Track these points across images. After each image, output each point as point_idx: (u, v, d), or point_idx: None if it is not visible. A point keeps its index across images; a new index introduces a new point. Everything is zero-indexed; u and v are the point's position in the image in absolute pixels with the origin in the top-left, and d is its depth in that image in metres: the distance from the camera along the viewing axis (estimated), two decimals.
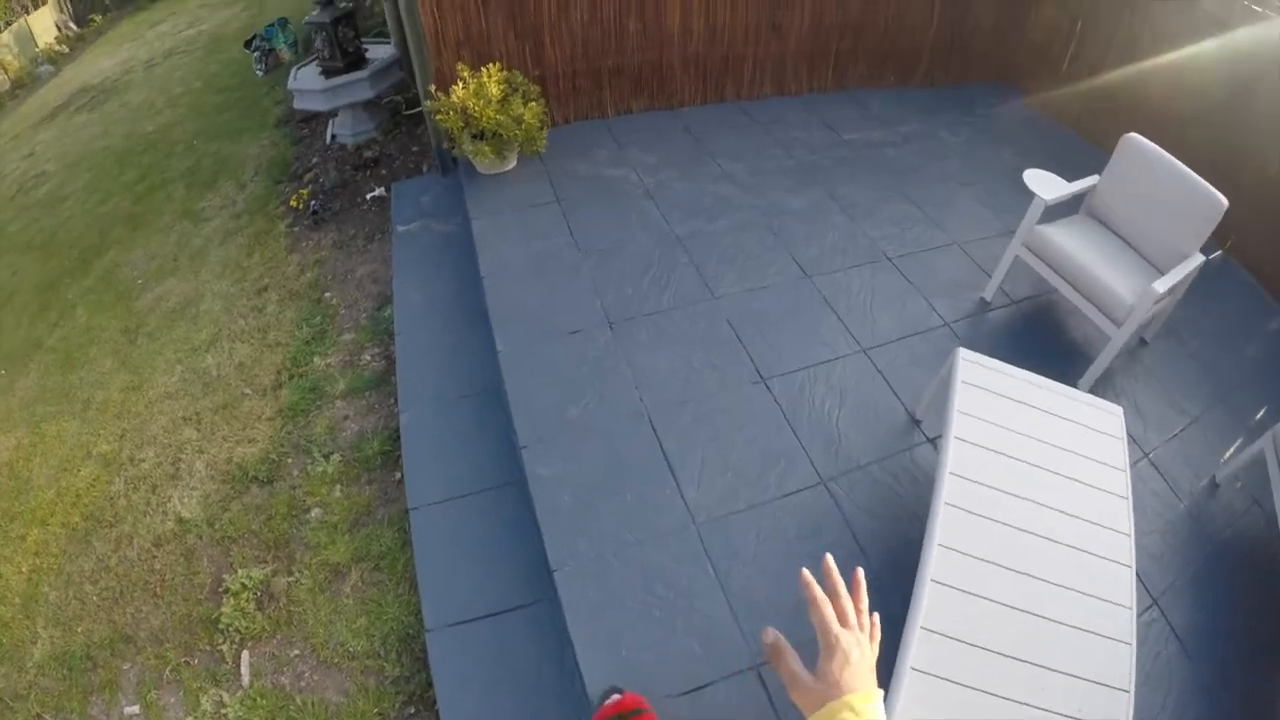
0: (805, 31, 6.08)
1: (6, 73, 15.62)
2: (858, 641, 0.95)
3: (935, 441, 3.58)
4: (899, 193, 5.23)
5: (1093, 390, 3.84)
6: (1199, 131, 4.98)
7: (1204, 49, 5.04)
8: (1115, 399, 3.84)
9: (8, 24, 17.18)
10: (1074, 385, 3.85)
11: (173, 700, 3.43)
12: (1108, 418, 3.10)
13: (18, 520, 4.51)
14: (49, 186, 8.74)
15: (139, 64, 11.96)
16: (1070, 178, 5.08)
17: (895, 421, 3.70)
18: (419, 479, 3.74)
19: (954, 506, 2.65)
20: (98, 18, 18.22)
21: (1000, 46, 6.68)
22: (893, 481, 3.44)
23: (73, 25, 18.45)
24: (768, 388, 3.78)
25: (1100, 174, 4.16)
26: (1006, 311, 4.39)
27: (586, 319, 4.14)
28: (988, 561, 2.52)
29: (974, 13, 6.43)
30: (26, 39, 17.03)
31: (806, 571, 1.02)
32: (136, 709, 3.46)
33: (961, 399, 3.01)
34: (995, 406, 3.02)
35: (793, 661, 0.96)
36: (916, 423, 3.69)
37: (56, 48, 16.93)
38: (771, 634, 0.99)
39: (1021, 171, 5.50)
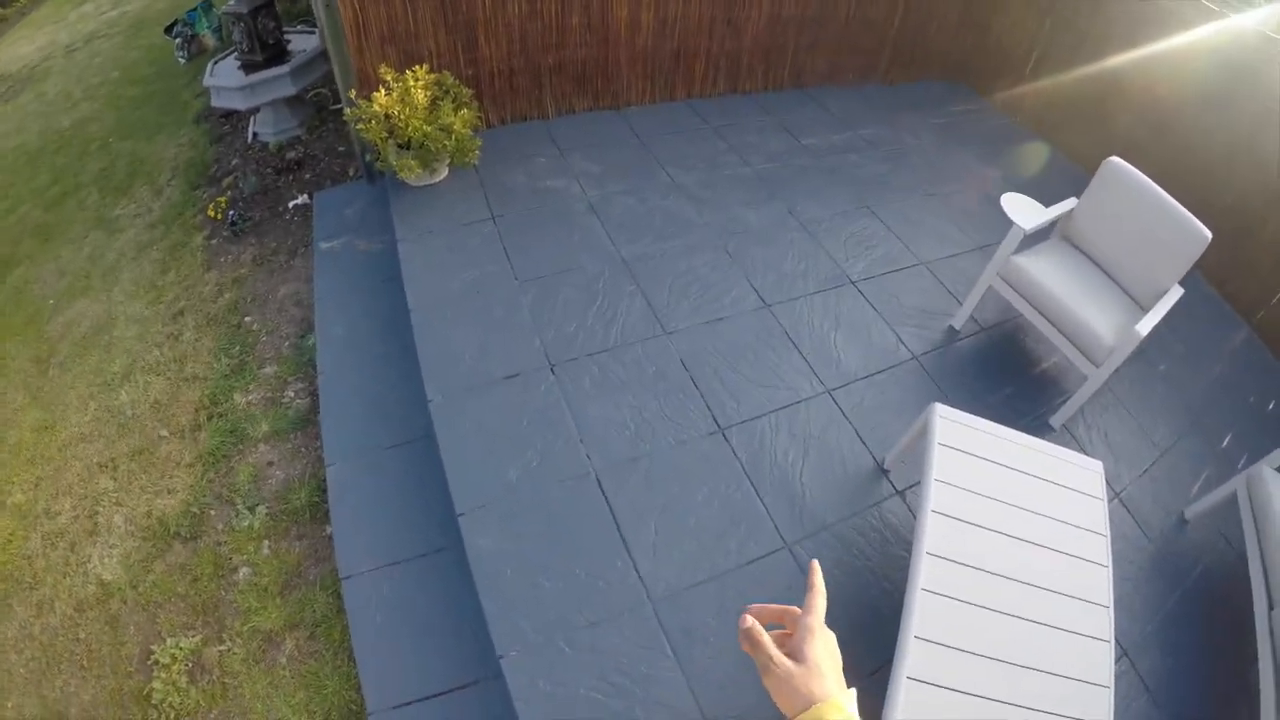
0: (762, 26, 5.67)
1: None
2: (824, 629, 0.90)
3: (905, 494, 3.33)
4: (862, 206, 4.88)
5: (1065, 425, 3.69)
6: (1170, 139, 4.75)
7: (1174, 51, 4.79)
8: (1086, 432, 3.72)
9: None
10: (1046, 420, 3.71)
11: None
12: (1088, 476, 2.91)
13: None
14: None
15: (59, 49, 11.14)
16: (1039, 187, 4.84)
17: (862, 473, 3.40)
18: (350, 543, 3.38)
19: (931, 592, 2.42)
20: None
21: (964, 45, 6.36)
22: (861, 541, 3.16)
23: None
24: (726, 438, 3.44)
25: (1078, 197, 3.90)
26: (976, 340, 4.11)
27: (526, 360, 3.73)
28: (964, 651, 2.31)
29: (939, 8, 6.07)
30: None
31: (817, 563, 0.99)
32: None
33: (939, 465, 2.75)
34: (973, 470, 2.78)
35: (770, 646, 0.88)
36: (885, 473, 3.41)
37: None
38: (750, 619, 0.92)
39: (986, 177, 5.23)
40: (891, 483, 3.37)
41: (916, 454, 3.12)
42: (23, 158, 8.04)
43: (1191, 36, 4.67)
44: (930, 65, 6.45)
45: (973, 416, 2.93)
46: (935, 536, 2.54)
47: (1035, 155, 5.68)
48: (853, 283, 4.31)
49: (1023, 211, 4.10)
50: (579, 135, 5.33)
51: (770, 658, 0.86)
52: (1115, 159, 3.71)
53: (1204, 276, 4.73)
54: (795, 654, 0.86)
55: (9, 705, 3.47)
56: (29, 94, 9.74)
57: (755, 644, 0.89)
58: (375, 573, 3.24)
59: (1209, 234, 3.37)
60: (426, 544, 3.30)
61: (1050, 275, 3.70)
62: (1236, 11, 4.52)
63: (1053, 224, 3.93)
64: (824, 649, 0.87)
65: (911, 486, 3.34)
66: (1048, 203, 4.01)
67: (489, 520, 3.10)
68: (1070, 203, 3.91)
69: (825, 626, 0.90)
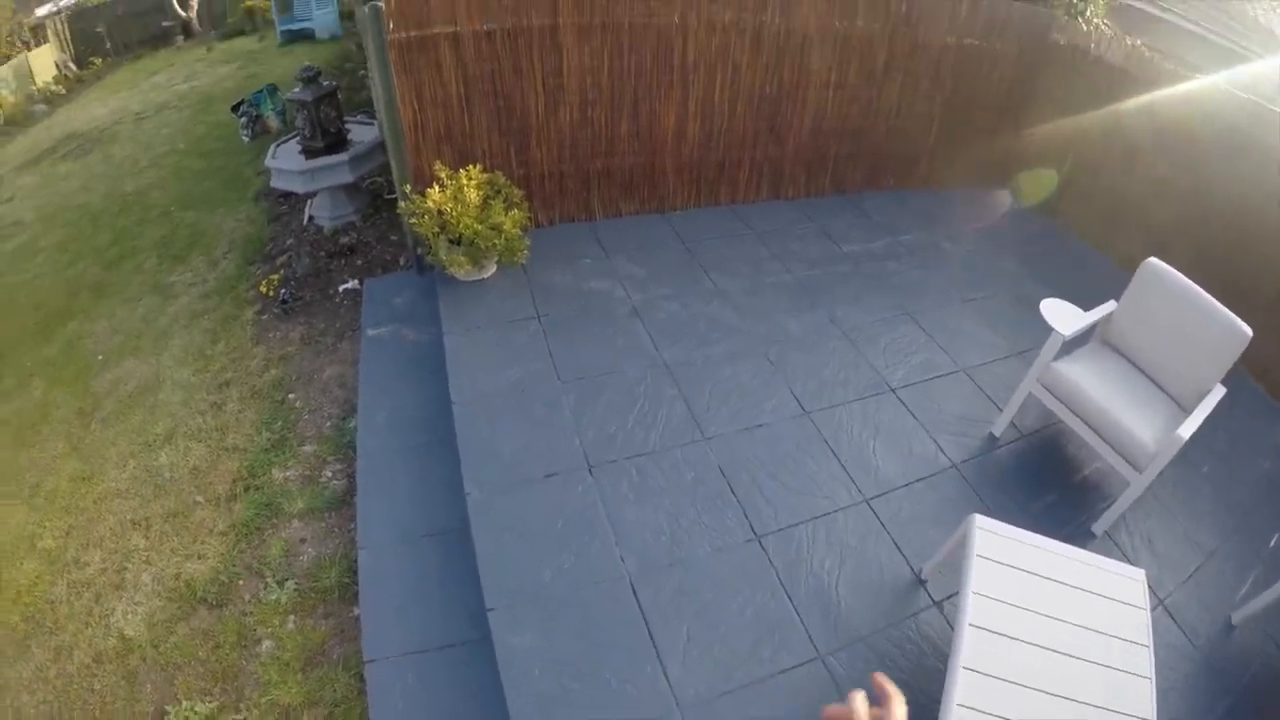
0: (804, 136, 5.85)
1: (1, 109, 15.20)
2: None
3: (942, 605, 3.27)
4: (902, 312, 4.93)
5: (1107, 532, 3.62)
6: (1211, 238, 4.77)
7: (1208, 143, 4.85)
8: (1129, 538, 3.64)
9: (8, 59, 16.77)
10: (1089, 528, 3.63)
11: None
12: (1130, 585, 2.85)
13: None
14: (23, 239, 8.33)
15: (129, 115, 11.63)
16: (1078, 290, 4.83)
17: (899, 583, 3.35)
18: (377, 627, 3.35)
19: (967, 708, 2.36)
20: (97, 61, 17.89)
21: (1000, 150, 6.46)
22: (896, 653, 3.09)
23: (72, 66, 18.08)
24: (762, 547, 3.40)
25: (1117, 300, 3.91)
26: (1017, 447, 4.08)
27: (565, 460, 3.74)
28: None
29: (975, 118, 6.23)
30: (25, 76, 16.62)
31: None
32: None
33: (978, 578, 2.71)
34: (1012, 582, 2.74)
35: None
36: (922, 583, 3.35)
37: (54, 87, 16.54)
38: (859, 700, 0.92)
39: (1025, 282, 5.28)
40: (929, 594, 3.31)
41: (955, 564, 3.07)
42: (86, 216, 8.32)
43: (1219, 127, 4.75)
44: (970, 170, 6.58)
45: (1012, 527, 2.89)
46: (972, 650, 2.49)
47: (1074, 257, 5.72)
48: (892, 390, 4.32)
49: (1062, 317, 4.11)
50: (624, 238, 5.45)
51: None
52: (1153, 260, 3.73)
53: (1246, 369, 4.67)
54: None
55: None
56: (97, 155, 10.13)
57: None
58: (400, 659, 3.19)
59: (1249, 331, 3.35)
60: (454, 635, 3.25)
61: (1090, 380, 3.69)
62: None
63: (1092, 328, 3.93)
64: None
65: (949, 597, 3.27)
66: (1087, 306, 4.02)
67: (520, 618, 3.06)
68: (1109, 306, 3.91)
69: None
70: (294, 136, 6.40)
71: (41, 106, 15.27)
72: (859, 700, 0.92)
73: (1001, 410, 4.14)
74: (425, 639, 3.26)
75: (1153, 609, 3.16)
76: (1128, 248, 5.33)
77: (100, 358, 5.77)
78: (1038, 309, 4.96)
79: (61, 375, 5.73)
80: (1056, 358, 3.77)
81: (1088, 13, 6.32)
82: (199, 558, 4.03)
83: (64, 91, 16.37)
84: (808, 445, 3.91)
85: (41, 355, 6.06)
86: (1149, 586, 2.86)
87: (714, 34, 5.14)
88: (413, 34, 4.47)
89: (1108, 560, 2.92)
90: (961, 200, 6.40)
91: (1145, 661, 2.61)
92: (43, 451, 5.02)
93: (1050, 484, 3.91)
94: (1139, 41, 5.69)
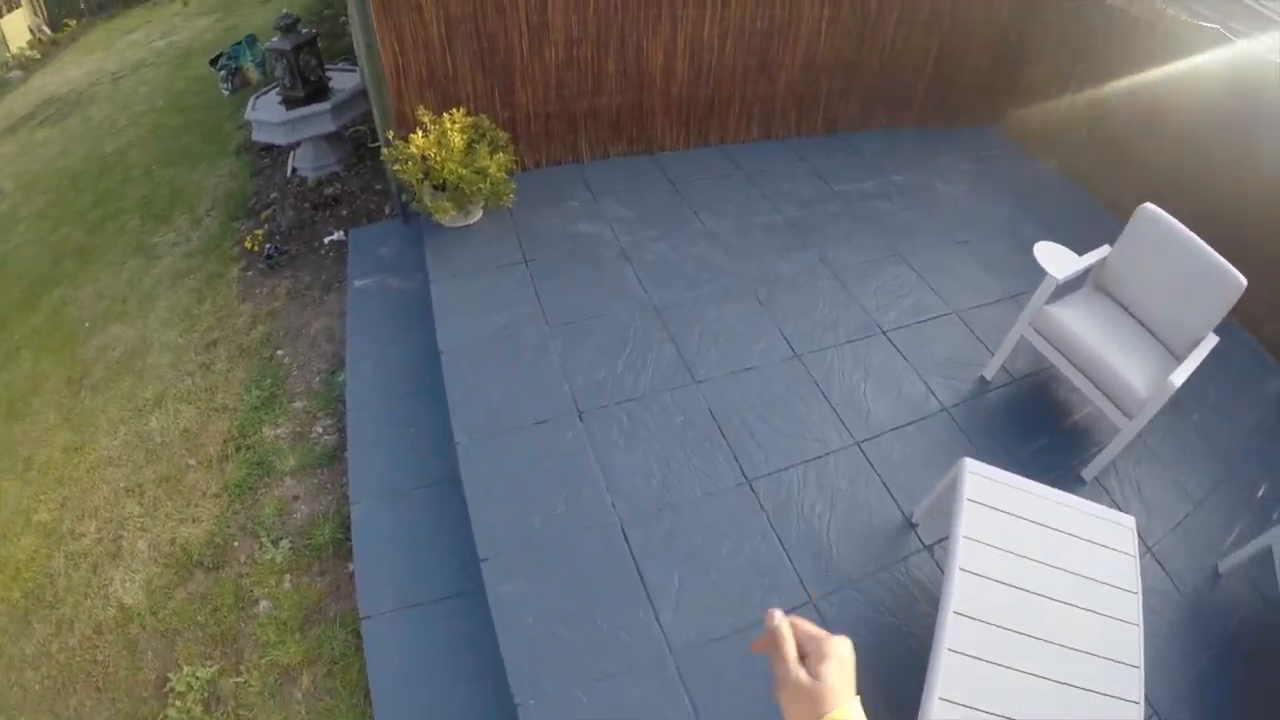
0: (796, 72, 5.70)
1: None
2: (845, 644, 0.90)
3: (933, 549, 3.27)
4: (894, 253, 4.86)
5: (1097, 478, 3.62)
6: (1208, 180, 4.68)
7: (1211, 89, 4.74)
8: (1119, 484, 3.64)
9: None
10: (1078, 473, 3.64)
11: None
12: (1119, 532, 2.86)
13: None
14: (3, 208, 8.23)
15: (106, 75, 11.42)
16: (1072, 234, 4.78)
17: (889, 527, 3.35)
18: (372, 583, 3.37)
19: (957, 652, 2.37)
20: (71, 23, 17.55)
21: (996, 89, 6.35)
22: (888, 597, 3.10)
23: (46, 29, 17.75)
24: (753, 490, 3.40)
25: (1111, 245, 3.86)
26: (1007, 391, 4.05)
27: (554, 406, 3.72)
28: (990, 714, 2.26)
29: (971, 53, 6.08)
30: None
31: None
32: None
33: (968, 522, 2.71)
34: (1002, 527, 2.74)
35: (793, 655, 0.88)
36: (913, 527, 3.35)
37: (28, 53, 16.24)
38: (778, 616, 0.92)
39: (1018, 225, 5.20)
40: (919, 538, 3.31)
41: (945, 508, 3.07)
42: (66, 179, 8.22)
43: (1222, 68, 4.63)
44: (963, 110, 6.45)
45: (1002, 472, 2.88)
46: (962, 595, 2.50)
47: (1071, 202, 5.63)
48: (883, 332, 4.28)
49: (1055, 260, 4.04)
50: (613, 180, 5.36)
51: (789, 668, 0.87)
52: (1149, 205, 3.67)
53: (1239, 322, 4.63)
54: (812, 671, 0.86)
55: None
56: (76, 118, 9.98)
57: (779, 647, 0.90)
58: (396, 614, 3.22)
59: (1244, 280, 3.31)
60: (448, 587, 3.27)
61: (1083, 325, 3.65)
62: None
63: (1086, 272, 3.88)
64: (836, 663, 0.87)
65: (940, 541, 3.28)
66: (1081, 250, 3.95)
67: (512, 567, 3.07)
68: (1103, 250, 3.86)
69: (842, 638, 0.91)
70: (274, 87, 6.28)
71: (16, 73, 14.99)
72: (777, 617, 0.93)
73: (993, 354, 4.10)
74: (420, 592, 3.28)
75: (1141, 556, 3.18)
76: (1124, 195, 5.24)
77: (87, 324, 5.74)
78: (1031, 252, 4.90)
79: (49, 344, 5.71)
80: (1049, 301, 3.72)
81: None
82: (193, 521, 4.05)
83: (39, 56, 16.07)
84: (798, 388, 3.89)
85: (29, 325, 6.04)
86: (1138, 534, 2.86)
87: None
88: None
89: (1097, 506, 2.92)
90: (956, 141, 6.28)
91: (1134, 608, 2.62)
92: (34, 424, 5.03)
93: (1041, 428, 3.90)
94: None
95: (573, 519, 3.24)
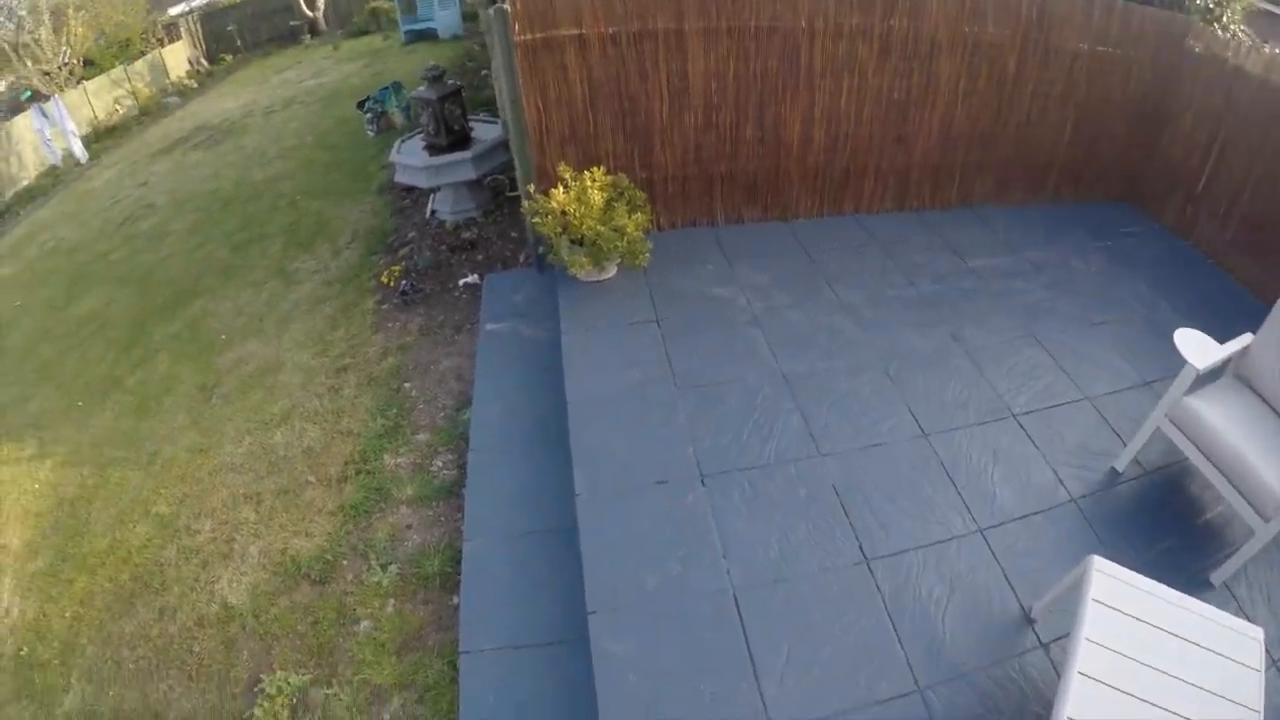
0: (932, 143, 5.74)
1: (137, 100, 16.35)
2: None
3: (1048, 647, 3.14)
4: (1028, 334, 4.78)
5: (1225, 582, 3.41)
6: None
7: None
8: (1248, 591, 3.40)
9: (143, 54, 18.00)
10: (1206, 576, 3.44)
11: None
12: (1246, 644, 2.68)
13: (69, 563, 4.50)
14: (155, 221, 8.96)
15: (259, 109, 12.31)
16: (1212, 319, 4.58)
17: (1007, 620, 3.24)
18: (475, 619, 3.45)
19: None
20: (228, 57, 19.06)
21: (1132, 163, 6.23)
22: (999, 694, 2.98)
23: (204, 62, 19.30)
24: (870, 570, 3.35)
25: (1254, 332, 3.69)
26: (1138, 484, 3.89)
27: (677, 468, 3.77)
28: None
29: (1107, 125, 6.00)
30: (159, 70, 17.89)
31: None
32: None
33: (1091, 623, 2.59)
34: (1125, 631, 2.62)
35: None
36: (1030, 622, 3.22)
37: (186, 82, 17.73)
38: None
39: (1154, 306, 5.06)
40: (1037, 634, 3.18)
41: (1066, 606, 2.96)
42: (217, 201, 8.87)
43: None
44: (1098, 184, 6.33)
45: (1130, 573, 2.76)
46: (1079, 699, 2.39)
47: (1211, 285, 5.42)
48: (1014, 416, 4.18)
49: (1196, 348, 3.87)
50: (747, 244, 5.47)
51: None
52: None
53: None
54: None
55: (110, 693, 3.73)
56: (228, 145, 10.76)
57: None
58: (496, 652, 3.28)
59: None
60: (552, 634, 3.32)
61: (1221, 420, 3.48)
62: None
63: (1227, 362, 3.71)
64: None
65: (1056, 640, 3.14)
66: (1221, 337, 3.78)
67: (620, 623, 3.11)
68: (1245, 339, 3.68)
69: None
70: (418, 133, 6.68)
71: (174, 99, 16.35)
72: None
73: (1126, 444, 3.95)
74: (522, 635, 3.34)
75: (1267, 669, 2.99)
76: (1268, 278, 5.06)
77: (223, 337, 6.15)
78: (1168, 336, 4.67)
79: (186, 351, 6.13)
80: (1188, 392, 3.58)
81: (1224, 19, 6.00)
82: (306, 535, 4.24)
83: (195, 85, 17.52)
84: (924, 468, 3.84)
85: (168, 331, 6.50)
86: (1265, 647, 2.69)
87: (840, 39, 5.12)
88: (538, 36, 4.63)
89: (1226, 615, 2.77)
90: (1090, 216, 6.16)
91: None
92: (163, 422, 5.37)
93: (1170, 526, 3.71)
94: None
95: (686, 582, 3.25)
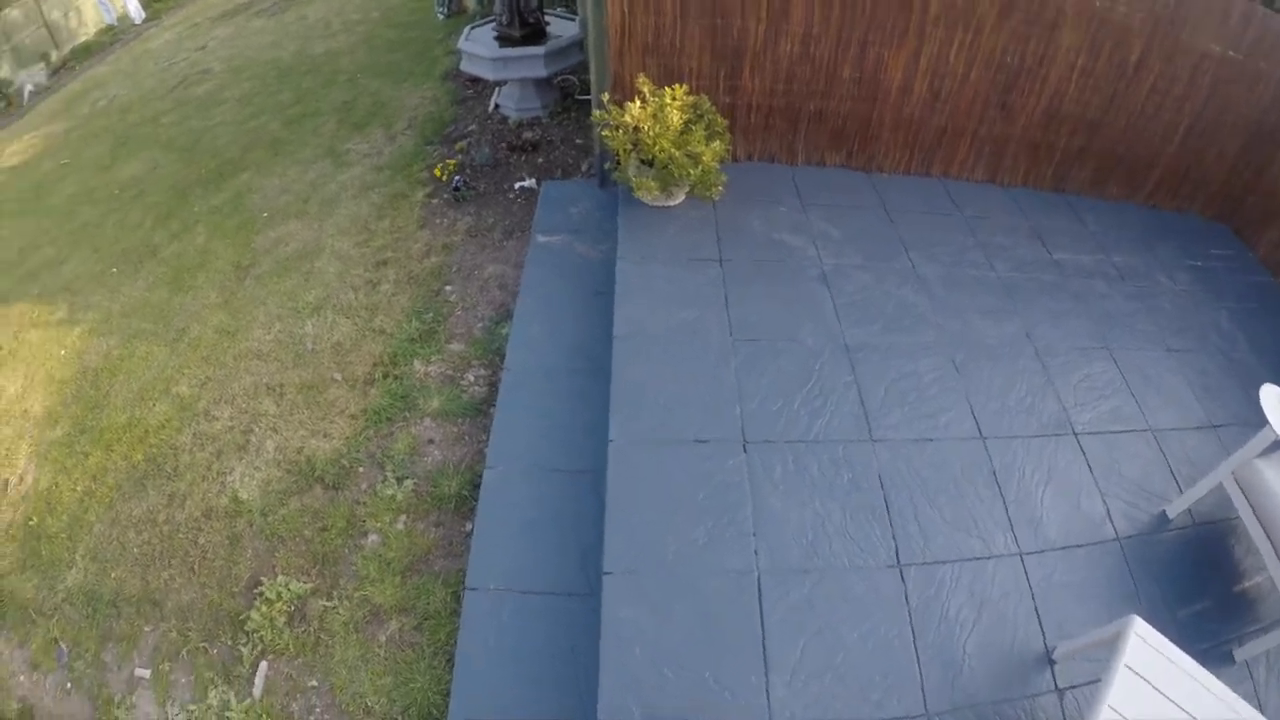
0: (1036, 117, 5.36)
1: None
2: None
3: (1063, 694, 3.02)
4: (1103, 345, 4.52)
5: (1247, 660, 3.25)
6: None
7: None
8: (1266, 674, 3.24)
9: None
10: (1229, 650, 3.30)
11: (183, 680, 3.44)
12: None
13: (86, 435, 4.53)
14: (209, 86, 8.86)
15: None
16: None
17: (1027, 655, 3.11)
18: (487, 554, 3.39)
19: None
20: None
21: (1238, 182, 5.81)
22: None
23: None
24: (902, 577, 3.22)
25: None
26: (1185, 535, 3.70)
27: (720, 428, 3.61)
28: None
29: (1221, 136, 5.59)
30: None
31: None
32: (147, 674, 3.50)
33: (1118, 690, 2.46)
34: (1150, 705, 2.49)
35: None
36: (1051, 663, 3.10)
37: None
38: None
39: (1234, 342, 4.78)
40: (1054, 677, 3.06)
41: (1091, 655, 2.89)
42: (274, 71, 8.72)
43: None
44: (1197, 197, 5.94)
45: (1171, 646, 2.62)
46: None
47: None
48: (1075, 434, 3.97)
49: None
50: (824, 191, 5.20)
51: None
52: None
53: None
54: None
55: (112, 575, 3.80)
56: (292, 14, 10.53)
57: None
58: (502, 593, 3.23)
59: None
60: (563, 584, 3.25)
61: None
62: None
63: None
64: None
65: (1073, 688, 3.04)
66: None
67: (635, 589, 3.03)
68: None
69: None
70: (490, 21, 6.42)
71: None
72: None
73: (1182, 490, 3.78)
74: (532, 579, 3.28)
75: None
76: None
77: (265, 215, 6.06)
78: (1243, 378, 4.46)
79: (225, 226, 6.06)
80: (1262, 460, 3.37)
81: None
82: (325, 436, 4.20)
83: None
84: (975, 474, 3.65)
85: (210, 203, 6.44)
86: None
87: None
88: None
89: (1254, 711, 2.62)
90: (1184, 230, 5.79)
91: None
92: (195, 298, 5.34)
93: (1207, 587, 3.54)
94: None
95: (710, 555, 3.15)
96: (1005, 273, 4.83)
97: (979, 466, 3.67)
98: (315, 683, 3.30)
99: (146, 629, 3.62)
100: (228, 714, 3.26)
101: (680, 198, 4.79)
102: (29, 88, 10.50)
